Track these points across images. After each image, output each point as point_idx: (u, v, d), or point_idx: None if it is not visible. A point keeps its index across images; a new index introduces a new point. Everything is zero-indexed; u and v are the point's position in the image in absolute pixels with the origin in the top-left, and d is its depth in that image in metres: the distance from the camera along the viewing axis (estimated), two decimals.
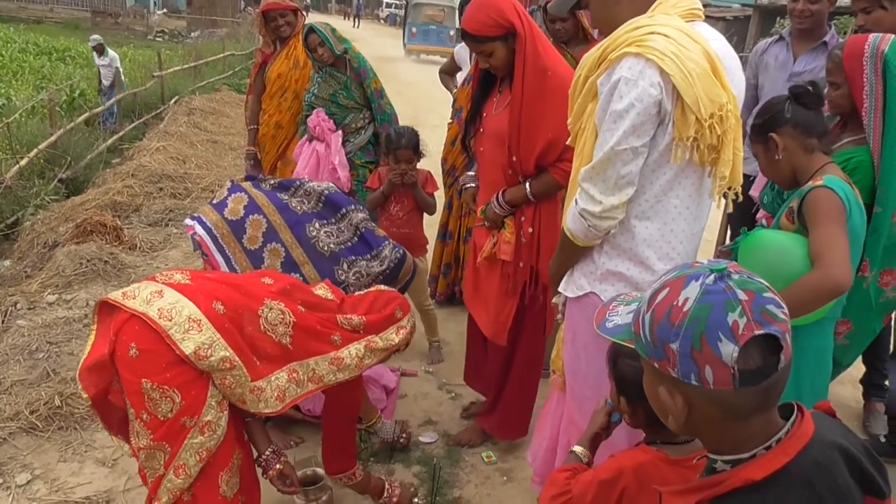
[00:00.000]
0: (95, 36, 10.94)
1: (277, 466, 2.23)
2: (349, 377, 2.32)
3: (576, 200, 1.86)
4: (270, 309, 2.15)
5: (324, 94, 3.96)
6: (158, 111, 10.86)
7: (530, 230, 2.71)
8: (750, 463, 1.04)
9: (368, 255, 2.72)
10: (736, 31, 22.98)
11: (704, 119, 1.68)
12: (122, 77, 10.28)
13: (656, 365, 1.07)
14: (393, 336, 2.47)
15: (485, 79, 2.77)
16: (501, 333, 2.85)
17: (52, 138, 7.16)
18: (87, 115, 8.73)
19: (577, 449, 1.74)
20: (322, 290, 2.43)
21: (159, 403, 1.92)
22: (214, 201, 2.77)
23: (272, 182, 2.84)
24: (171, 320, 1.94)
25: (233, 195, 2.76)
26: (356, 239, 2.73)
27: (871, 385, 3.49)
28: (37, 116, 8.77)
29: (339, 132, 3.94)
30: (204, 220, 2.71)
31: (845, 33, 3.53)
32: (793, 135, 2.15)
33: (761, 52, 3.81)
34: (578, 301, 2.01)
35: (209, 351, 1.95)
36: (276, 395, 2.11)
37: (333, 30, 3.96)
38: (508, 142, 2.61)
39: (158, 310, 1.95)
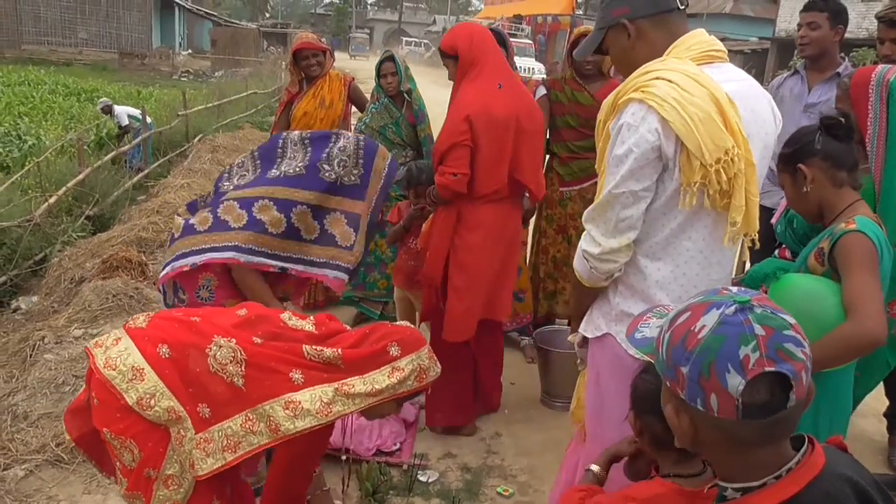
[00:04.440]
0: (103, 99, 11.18)
1: None
2: (312, 426, 1.97)
3: (581, 241, 1.89)
4: (220, 347, 2.00)
5: (374, 125, 4.07)
6: (183, 149, 11.05)
7: (432, 229, 3.22)
8: (759, 491, 1.05)
9: (331, 141, 2.69)
10: (753, 64, 23.06)
11: (710, 164, 1.68)
12: (135, 123, 10.34)
13: (668, 383, 1.10)
14: (382, 379, 2.05)
15: None
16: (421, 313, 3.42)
17: (80, 176, 7.31)
18: (113, 153, 8.92)
19: (594, 467, 1.75)
20: (297, 321, 2.18)
21: (122, 453, 1.95)
22: (177, 237, 2.67)
23: (209, 193, 2.82)
24: (115, 369, 1.94)
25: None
26: (309, 145, 2.70)
27: (894, 419, 3.43)
28: (66, 155, 8.97)
29: None
30: (187, 251, 2.61)
31: (864, 64, 3.55)
32: (822, 167, 2.09)
33: (777, 86, 3.85)
34: (599, 342, 2.00)
35: (152, 400, 1.93)
36: (223, 444, 1.96)
37: (407, 67, 4.08)
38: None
39: (106, 360, 1.96)
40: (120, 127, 10.48)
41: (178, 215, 2.79)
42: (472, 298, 3.16)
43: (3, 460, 3.04)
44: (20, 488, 2.90)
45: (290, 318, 2.18)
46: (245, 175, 2.71)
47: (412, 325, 2.32)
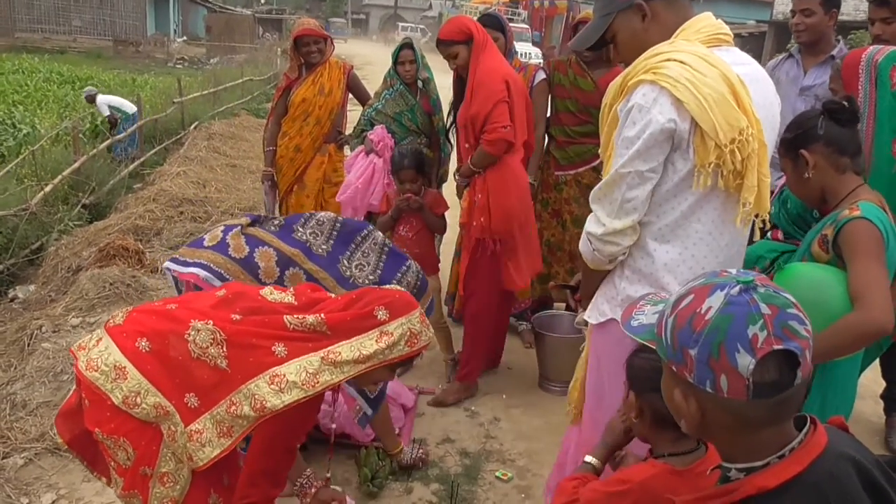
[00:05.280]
0: (88, 87, 11.02)
1: (312, 490, 2.17)
2: (298, 399, 1.92)
3: (587, 223, 1.88)
4: (198, 331, 1.95)
5: (388, 111, 4.06)
6: (179, 137, 11.02)
7: (479, 196, 3.41)
8: (763, 471, 1.05)
9: (405, 267, 2.70)
10: (751, 47, 22.96)
11: (725, 144, 1.67)
12: (116, 114, 10.06)
13: (674, 368, 1.10)
14: (370, 343, 1.98)
15: (459, 87, 3.62)
16: (459, 281, 3.63)
17: (76, 165, 7.29)
18: (109, 141, 8.88)
19: (590, 459, 1.74)
20: (278, 294, 2.14)
21: (116, 452, 1.94)
22: (207, 243, 2.66)
23: (276, 222, 2.76)
24: (97, 370, 1.93)
25: (230, 233, 2.67)
26: (385, 255, 2.70)
27: (891, 400, 3.45)
28: (61, 144, 8.94)
29: None
30: (206, 263, 2.58)
31: (861, 47, 3.53)
32: (824, 153, 2.06)
33: (773, 69, 3.84)
34: (602, 327, 1.99)
35: (138, 398, 1.91)
36: (217, 431, 1.92)
37: (423, 56, 4.07)
38: (464, 121, 3.42)
39: (87, 362, 1.95)
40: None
41: (242, 228, 2.69)
42: (529, 249, 3.56)
43: (3, 449, 3.05)
44: (20, 477, 2.91)
45: (271, 293, 2.14)
46: (318, 235, 2.68)
47: (403, 290, 2.29)
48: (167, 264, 2.68)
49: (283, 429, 2.03)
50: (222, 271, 2.56)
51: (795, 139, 2.11)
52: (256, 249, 2.61)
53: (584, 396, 2.19)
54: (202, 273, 2.55)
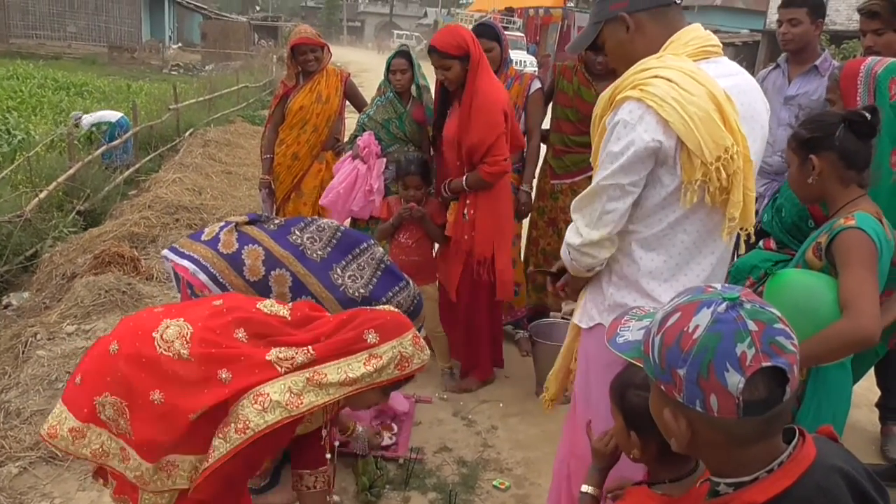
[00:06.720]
0: (74, 113, 10.94)
1: None
2: (282, 418, 1.85)
3: (567, 231, 1.91)
4: (173, 356, 1.94)
5: (378, 118, 4.06)
6: (174, 143, 10.99)
7: (468, 213, 3.52)
8: (752, 486, 1.05)
9: (400, 285, 2.64)
10: (745, 56, 23.07)
11: (710, 162, 1.69)
12: (102, 128, 9.71)
13: (663, 387, 1.09)
14: (358, 366, 1.95)
15: (442, 98, 3.63)
16: (452, 290, 3.69)
17: (71, 171, 7.26)
18: (104, 147, 8.85)
19: (586, 488, 1.71)
20: (275, 307, 2.13)
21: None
22: (204, 237, 2.67)
23: (276, 222, 2.73)
24: (56, 437, 1.98)
25: (224, 230, 2.67)
26: (380, 271, 2.64)
27: (887, 408, 3.46)
28: (56, 150, 8.89)
29: (384, 159, 3.99)
30: (196, 257, 2.59)
31: (854, 56, 3.56)
32: (833, 163, 2.07)
33: (762, 80, 3.88)
34: (590, 332, 2.01)
35: (103, 459, 1.96)
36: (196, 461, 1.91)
37: (419, 65, 4.09)
38: (458, 138, 3.42)
39: (49, 428, 1.99)
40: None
41: (237, 225, 2.68)
42: (510, 261, 3.70)
43: None
44: (14, 486, 2.89)
45: (272, 305, 2.12)
46: (315, 241, 2.64)
47: (396, 311, 2.26)
48: (165, 252, 2.71)
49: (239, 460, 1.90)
50: (209, 265, 2.57)
51: (810, 141, 2.11)
52: (245, 247, 2.59)
53: (561, 387, 2.27)
54: (191, 267, 2.57)
